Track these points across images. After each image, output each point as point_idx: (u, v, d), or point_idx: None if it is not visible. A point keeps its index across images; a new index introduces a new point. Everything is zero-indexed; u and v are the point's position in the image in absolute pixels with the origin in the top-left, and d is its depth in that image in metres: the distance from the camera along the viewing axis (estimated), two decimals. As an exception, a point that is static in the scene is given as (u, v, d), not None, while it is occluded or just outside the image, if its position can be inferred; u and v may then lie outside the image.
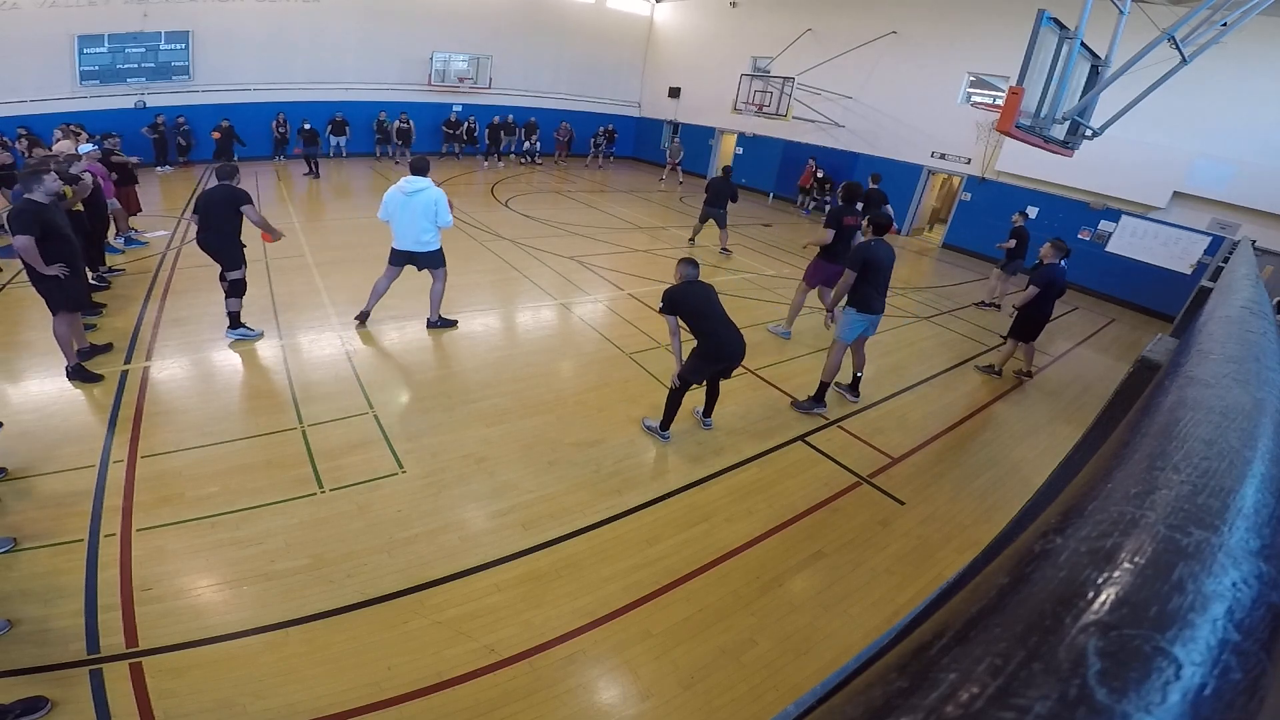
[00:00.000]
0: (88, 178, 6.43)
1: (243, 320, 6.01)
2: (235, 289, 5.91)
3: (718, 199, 10.27)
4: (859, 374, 5.97)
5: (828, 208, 15.58)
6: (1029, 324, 6.68)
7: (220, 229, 5.65)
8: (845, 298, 5.45)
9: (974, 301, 10.05)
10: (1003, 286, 9.77)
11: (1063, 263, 6.48)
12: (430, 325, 6.59)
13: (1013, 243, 9.16)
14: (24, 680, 2.63)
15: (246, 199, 5.65)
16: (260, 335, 6.06)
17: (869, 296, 5.35)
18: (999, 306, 9.77)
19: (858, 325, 5.48)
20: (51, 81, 12.48)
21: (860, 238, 6.27)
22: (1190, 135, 10.42)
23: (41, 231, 4.57)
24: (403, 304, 7.17)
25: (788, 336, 7.28)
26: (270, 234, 5.88)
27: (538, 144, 18.85)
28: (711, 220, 10.57)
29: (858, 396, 5.98)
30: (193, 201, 11.25)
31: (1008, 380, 7.03)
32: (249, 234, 5.85)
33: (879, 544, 4.08)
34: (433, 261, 6.28)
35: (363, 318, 6.43)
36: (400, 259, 6.20)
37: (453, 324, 6.71)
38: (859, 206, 7.01)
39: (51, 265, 4.65)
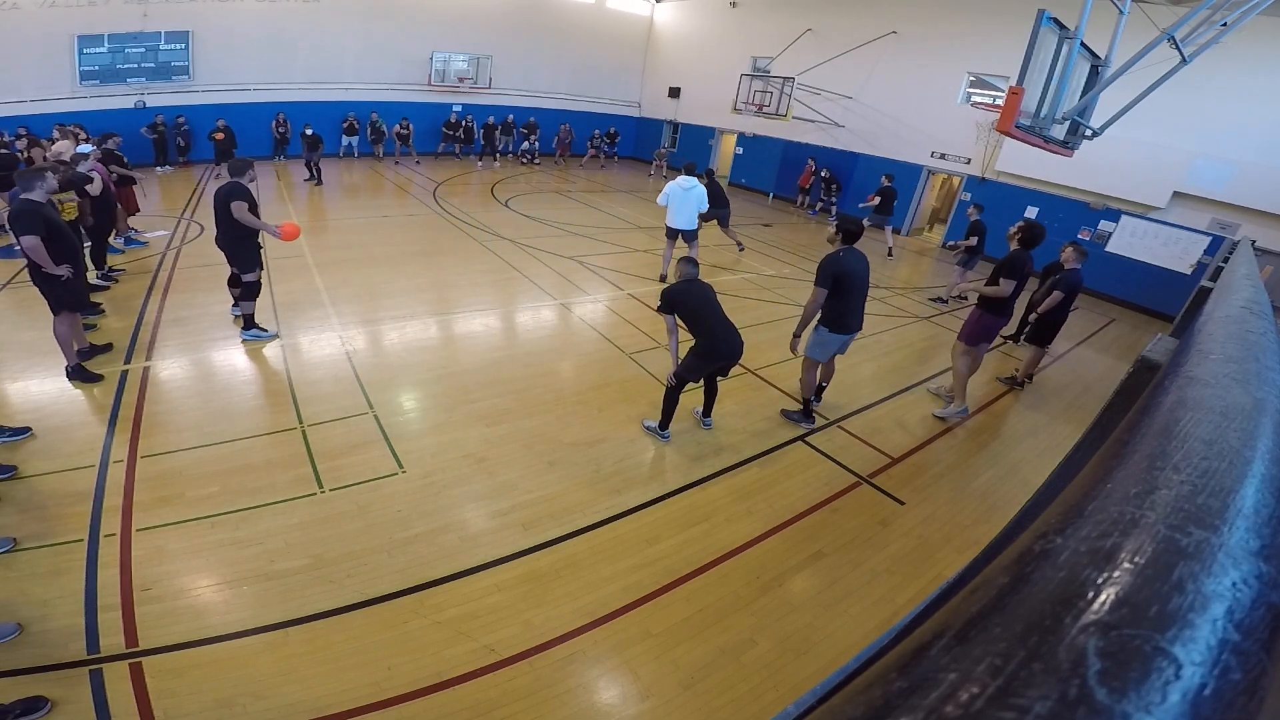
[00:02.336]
0: (97, 178, 6.46)
1: (256, 321, 5.99)
2: (247, 291, 5.85)
3: (716, 200, 10.17)
4: (824, 384, 5.58)
5: (834, 209, 15.72)
6: (1049, 329, 6.56)
7: (226, 229, 5.60)
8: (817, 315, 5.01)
9: (931, 298, 9.96)
10: (957, 279, 9.66)
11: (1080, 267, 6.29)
12: (663, 280, 8.64)
13: (974, 240, 9.11)
14: (24, 680, 2.63)
15: (239, 195, 5.45)
16: (275, 336, 6.04)
17: (843, 313, 4.89)
18: (966, 298, 9.72)
19: (831, 345, 5.07)
20: (51, 81, 12.47)
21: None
22: (1190, 135, 10.42)
23: (46, 231, 4.58)
24: (403, 304, 7.18)
25: (965, 414, 5.87)
26: (271, 232, 5.64)
27: (536, 144, 18.89)
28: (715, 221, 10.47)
29: (819, 401, 5.60)
30: (193, 201, 11.27)
31: (1006, 373, 7.04)
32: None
33: (879, 544, 4.08)
34: (690, 237, 8.57)
35: (664, 278, 8.74)
36: (673, 234, 8.56)
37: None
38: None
39: (59, 265, 4.67)
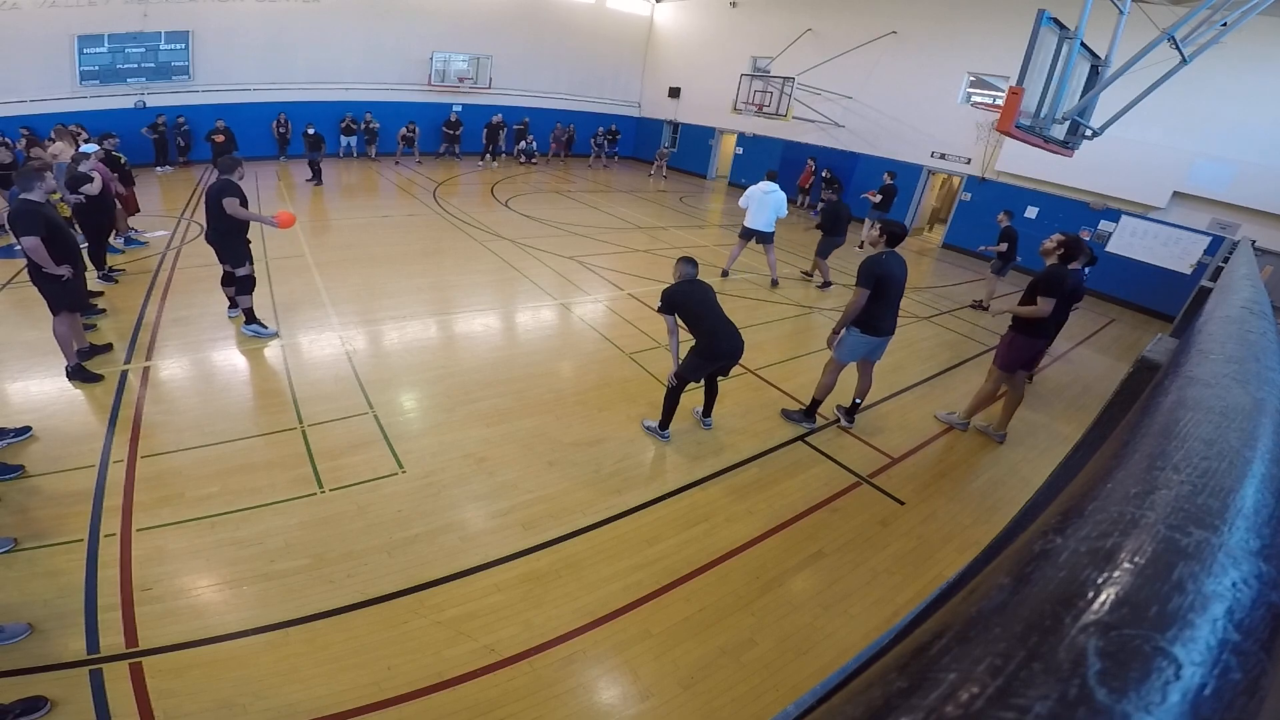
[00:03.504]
0: (97, 177, 6.45)
1: (256, 316, 6.04)
2: (241, 286, 5.93)
3: (840, 225, 9.25)
4: (859, 400, 5.43)
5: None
6: (1049, 327, 6.27)
7: (216, 225, 5.65)
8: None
9: (972, 300, 10.04)
10: (993, 287, 9.68)
11: (1086, 269, 6.12)
12: (774, 285, 9.29)
13: (1004, 246, 9.12)
14: (24, 680, 2.63)
15: (230, 192, 5.51)
16: (275, 334, 6.07)
17: (878, 316, 4.82)
18: (987, 307, 9.73)
19: (860, 348, 4.99)
20: (51, 81, 12.47)
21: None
22: (1190, 135, 10.42)
23: (46, 231, 4.58)
24: (403, 304, 7.18)
25: (965, 428, 5.67)
26: (268, 223, 5.71)
27: (534, 144, 18.87)
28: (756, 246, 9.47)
29: (852, 423, 5.46)
30: (193, 201, 11.27)
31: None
32: (266, 230, 5.88)
33: (879, 544, 4.08)
34: (768, 239, 9.00)
35: (725, 274, 9.37)
36: (748, 234, 8.96)
37: (776, 284, 9.31)
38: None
39: (60, 265, 4.67)
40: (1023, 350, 5.20)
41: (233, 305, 6.25)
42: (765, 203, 8.70)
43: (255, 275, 6.06)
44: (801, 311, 8.43)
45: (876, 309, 4.81)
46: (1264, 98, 9.75)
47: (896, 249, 4.82)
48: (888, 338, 5.03)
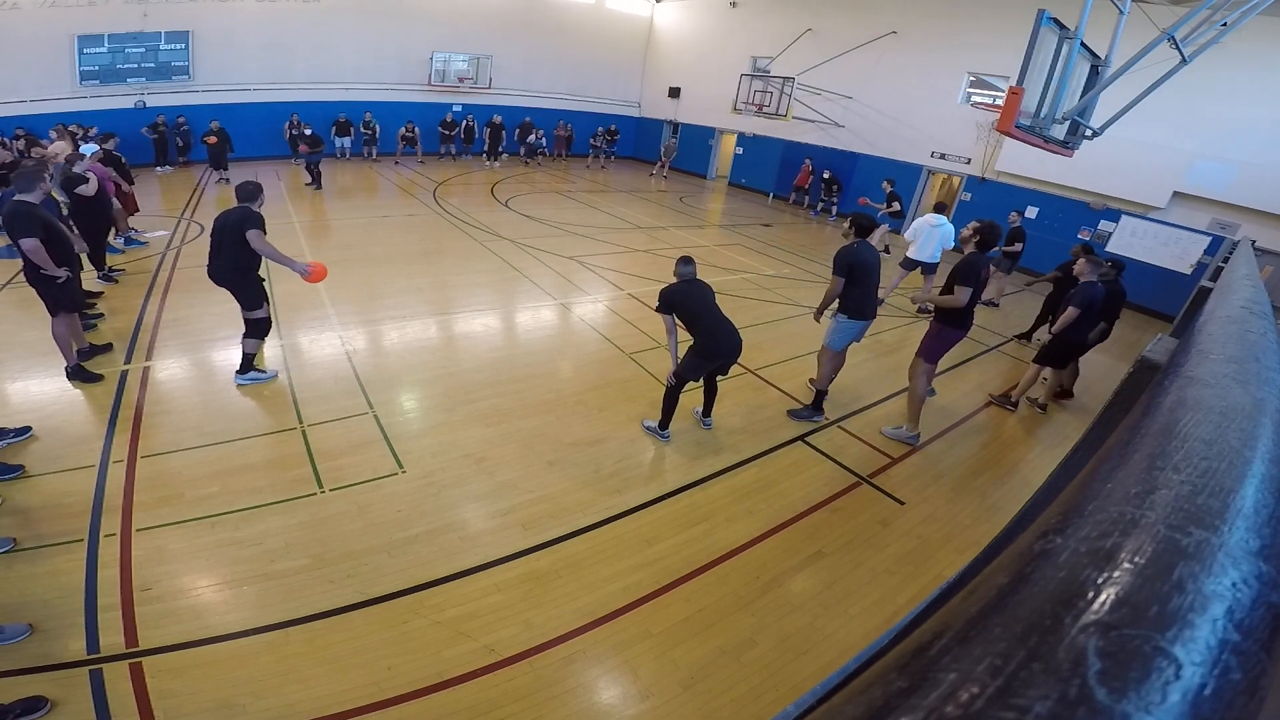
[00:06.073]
0: (93, 178, 6.45)
1: (255, 363, 5.23)
2: (254, 329, 5.10)
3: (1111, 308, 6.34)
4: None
5: (834, 209, 15.69)
6: (1062, 349, 5.93)
7: (230, 258, 4.85)
8: (835, 302, 5.11)
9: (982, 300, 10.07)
10: (1000, 285, 9.77)
11: (1099, 280, 5.70)
12: (921, 310, 8.78)
13: (1019, 247, 9.16)
14: (24, 680, 2.63)
15: (254, 223, 4.73)
16: (274, 376, 5.31)
17: (861, 301, 5.10)
18: (998, 305, 9.81)
19: (850, 332, 5.25)
20: (51, 81, 12.47)
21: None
22: (1190, 135, 10.42)
23: (44, 232, 4.57)
24: (403, 304, 7.18)
25: (916, 440, 5.37)
26: (299, 271, 4.94)
27: (540, 142, 18.81)
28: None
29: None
30: (193, 201, 11.27)
31: (1010, 384, 7.02)
32: (281, 273, 5.39)
33: (879, 544, 4.08)
34: (931, 270, 8.81)
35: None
36: (912, 265, 8.81)
37: (925, 311, 8.65)
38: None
39: (59, 266, 4.65)
40: (949, 340, 5.12)
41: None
42: (933, 235, 8.56)
43: (272, 318, 5.29)
44: (801, 311, 8.43)
45: (858, 294, 5.11)
46: (1264, 98, 9.75)
47: (868, 239, 5.16)
48: (870, 321, 5.33)
